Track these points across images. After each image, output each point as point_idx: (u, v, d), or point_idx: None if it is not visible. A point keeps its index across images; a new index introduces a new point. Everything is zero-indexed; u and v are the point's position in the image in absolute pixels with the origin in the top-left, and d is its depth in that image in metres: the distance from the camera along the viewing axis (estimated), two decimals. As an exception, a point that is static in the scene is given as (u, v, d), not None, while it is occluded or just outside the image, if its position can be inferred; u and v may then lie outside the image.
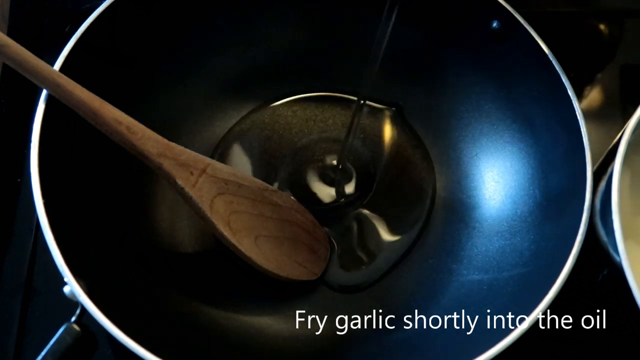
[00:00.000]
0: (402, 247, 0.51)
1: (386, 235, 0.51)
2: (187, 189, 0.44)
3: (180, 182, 0.44)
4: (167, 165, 0.43)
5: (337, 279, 0.50)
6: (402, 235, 0.51)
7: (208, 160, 0.46)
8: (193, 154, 0.45)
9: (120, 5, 0.46)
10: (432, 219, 0.52)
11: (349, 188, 0.53)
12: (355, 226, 0.52)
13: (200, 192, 0.44)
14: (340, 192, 0.53)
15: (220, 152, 0.53)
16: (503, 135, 0.51)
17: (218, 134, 0.54)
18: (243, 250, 0.46)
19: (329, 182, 0.53)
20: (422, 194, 0.53)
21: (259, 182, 0.48)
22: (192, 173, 0.44)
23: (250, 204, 0.47)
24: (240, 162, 0.53)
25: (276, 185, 0.52)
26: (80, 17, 0.57)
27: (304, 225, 0.49)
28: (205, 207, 0.44)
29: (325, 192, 0.52)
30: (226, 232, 0.45)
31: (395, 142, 0.54)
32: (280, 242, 0.48)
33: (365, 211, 0.52)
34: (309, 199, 0.52)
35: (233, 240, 0.45)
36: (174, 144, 0.44)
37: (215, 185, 0.45)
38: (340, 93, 0.55)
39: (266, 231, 0.47)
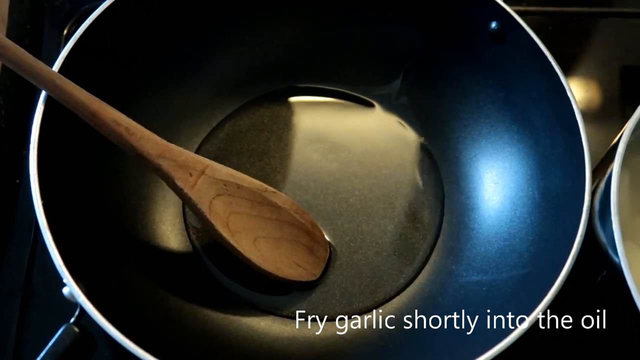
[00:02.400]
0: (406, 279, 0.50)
1: (388, 258, 0.50)
2: (186, 190, 0.44)
3: (179, 183, 0.44)
4: (166, 166, 0.43)
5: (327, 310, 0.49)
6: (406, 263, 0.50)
7: (207, 161, 0.46)
8: (192, 155, 0.45)
9: (120, 6, 0.46)
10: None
11: (349, 190, 0.53)
12: (354, 242, 0.51)
13: (199, 193, 0.44)
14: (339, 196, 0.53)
15: (217, 152, 0.53)
16: (502, 136, 0.51)
17: (217, 134, 0.54)
18: (242, 251, 0.46)
19: (327, 185, 0.53)
20: (429, 212, 0.52)
21: (258, 183, 0.48)
22: (191, 174, 0.44)
23: (249, 205, 0.47)
24: (238, 163, 0.53)
25: (273, 186, 0.52)
26: (80, 18, 0.57)
27: (303, 227, 0.49)
28: (204, 208, 0.44)
29: (323, 195, 0.52)
30: (225, 233, 0.45)
31: (395, 142, 0.54)
32: (279, 243, 0.48)
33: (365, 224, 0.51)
34: (306, 204, 0.51)
35: (232, 242, 0.45)
36: (172, 145, 0.44)
37: (214, 187, 0.45)
38: (341, 93, 0.55)
39: (265, 232, 0.47)
